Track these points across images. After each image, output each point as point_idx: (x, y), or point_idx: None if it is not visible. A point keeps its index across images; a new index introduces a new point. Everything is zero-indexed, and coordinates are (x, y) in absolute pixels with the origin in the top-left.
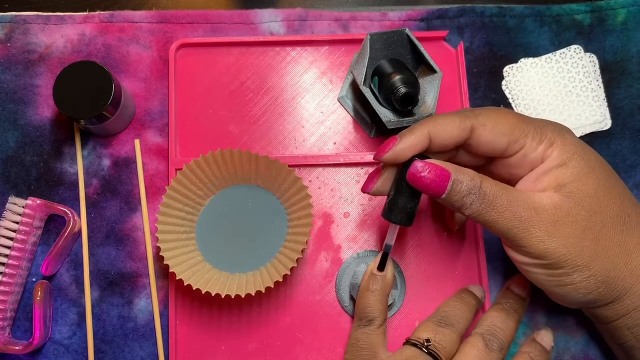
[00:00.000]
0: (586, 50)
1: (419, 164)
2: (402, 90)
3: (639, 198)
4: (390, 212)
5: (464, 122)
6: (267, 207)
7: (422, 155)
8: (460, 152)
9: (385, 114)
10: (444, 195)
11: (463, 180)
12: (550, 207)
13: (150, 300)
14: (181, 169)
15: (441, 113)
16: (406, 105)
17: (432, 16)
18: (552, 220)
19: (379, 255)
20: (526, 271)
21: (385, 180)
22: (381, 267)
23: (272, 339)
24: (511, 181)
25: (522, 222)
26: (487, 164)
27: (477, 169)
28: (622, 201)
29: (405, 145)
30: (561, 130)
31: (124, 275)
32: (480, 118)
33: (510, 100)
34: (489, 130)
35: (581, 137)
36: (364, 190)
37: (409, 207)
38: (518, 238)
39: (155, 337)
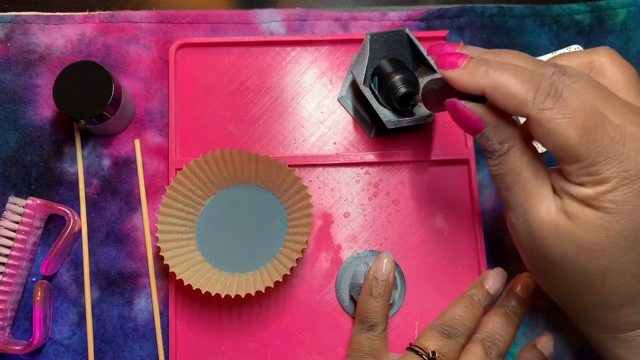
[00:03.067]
0: None
1: (460, 105)
2: (402, 90)
3: None
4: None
5: (531, 107)
6: (267, 207)
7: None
8: None
9: (385, 114)
10: (475, 139)
11: (492, 140)
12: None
13: (150, 300)
14: (181, 169)
15: (523, 68)
16: (406, 105)
17: (432, 16)
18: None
19: (383, 253)
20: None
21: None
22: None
23: (272, 339)
24: None
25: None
26: None
27: None
28: None
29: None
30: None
31: (124, 275)
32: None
33: None
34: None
35: None
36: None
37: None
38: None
39: (155, 337)
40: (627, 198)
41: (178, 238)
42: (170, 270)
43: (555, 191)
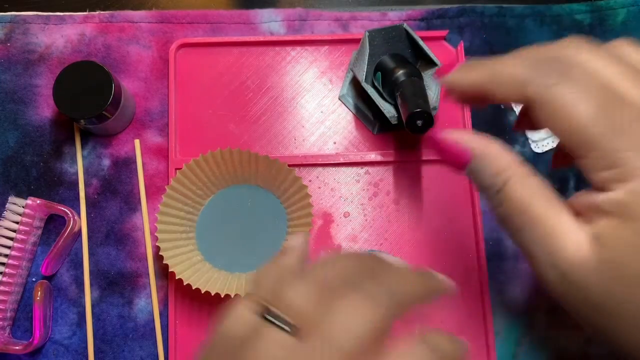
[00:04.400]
0: None
1: (439, 135)
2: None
3: None
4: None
5: (526, 89)
6: (267, 207)
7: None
8: None
9: (389, 110)
10: (466, 173)
11: (484, 173)
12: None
13: (150, 300)
14: (181, 168)
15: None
16: None
17: (432, 16)
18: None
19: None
20: None
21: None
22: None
23: None
24: None
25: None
26: None
27: None
28: None
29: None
30: None
31: (124, 275)
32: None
33: None
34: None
35: None
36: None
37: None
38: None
39: (155, 337)
40: None
41: (178, 238)
42: (170, 270)
43: (582, 216)
